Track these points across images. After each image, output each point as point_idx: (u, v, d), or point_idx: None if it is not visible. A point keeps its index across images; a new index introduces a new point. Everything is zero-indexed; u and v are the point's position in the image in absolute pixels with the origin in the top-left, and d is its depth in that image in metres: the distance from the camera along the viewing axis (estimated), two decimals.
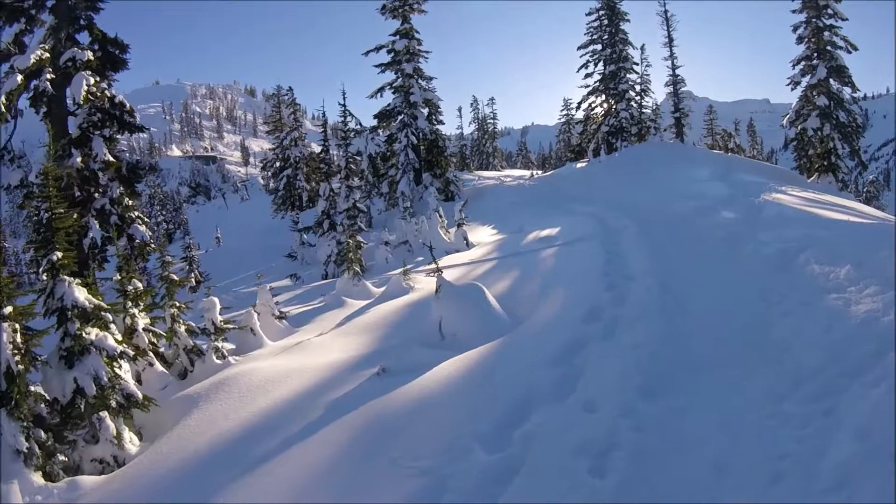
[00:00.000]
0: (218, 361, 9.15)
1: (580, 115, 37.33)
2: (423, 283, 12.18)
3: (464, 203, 17.79)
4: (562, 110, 49.18)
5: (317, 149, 36.26)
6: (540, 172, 39.74)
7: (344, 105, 18.07)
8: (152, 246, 30.67)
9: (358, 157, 28.49)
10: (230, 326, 9.90)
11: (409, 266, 13.55)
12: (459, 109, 52.05)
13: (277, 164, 40.37)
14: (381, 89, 30.01)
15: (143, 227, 29.80)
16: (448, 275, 12.74)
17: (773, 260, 8.34)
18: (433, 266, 14.71)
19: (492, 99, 52.88)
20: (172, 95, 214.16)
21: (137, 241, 29.52)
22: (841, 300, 6.24)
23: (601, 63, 34.20)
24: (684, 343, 6.39)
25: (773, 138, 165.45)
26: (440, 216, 17.77)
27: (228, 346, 10.49)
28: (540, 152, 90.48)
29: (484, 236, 17.98)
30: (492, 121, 53.04)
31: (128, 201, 28.11)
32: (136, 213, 29.63)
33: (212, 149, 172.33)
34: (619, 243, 11.99)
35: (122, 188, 27.03)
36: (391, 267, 16.07)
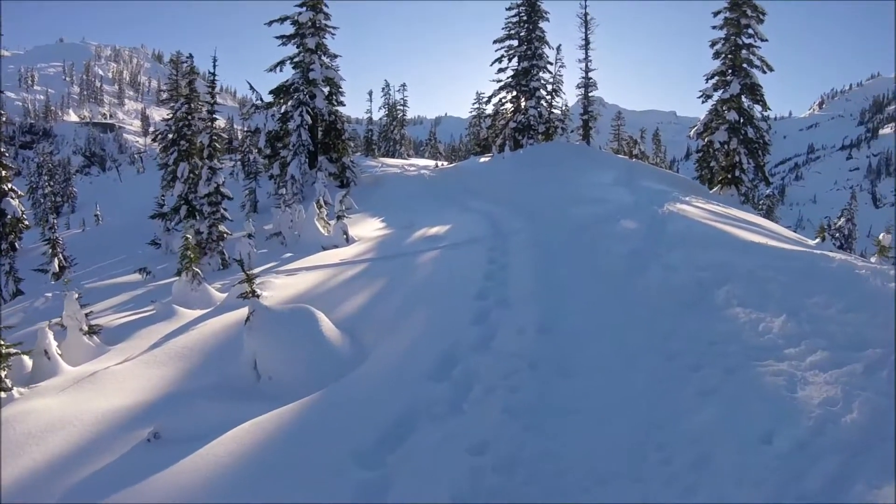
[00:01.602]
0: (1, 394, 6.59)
1: (490, 109, 35.70)
2: (278, 289, 9.80)
3: (345, 193, 15.33)
4: (474, 103, 47.09)
5: (221, 123, 32.97)
6: (445, 164, 37.75)
7: (213, 74, 15.22)
8: (26, 223, 26.82)
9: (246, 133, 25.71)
10: (13, 351, 7.28)
11: (257, 269, 11.18)
12: (370, 93, 48.88)
13: (170, 136, 36.61)
14: (280, 63, 27.07)
15: (16, 201, 25.97)
16: (309, 278, 10.51)
17: (686, 294, 6.46)
18: (298, 265, 12.51)
19: (403, 85, 49.90)
20: (76, 55, 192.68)
21: (9, 216, 25.74)
22: (782, 375, 4.31)
23: (515, 59, 32.58)
24: (558, 436, 4.24)
25: (676, 148, 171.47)
26: (321, 205, 15.29)
27: (30, 364, 7.89)
28: (450, 144, 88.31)
29: (369, 230, 15.68)
30: (402, 107, 49.64)
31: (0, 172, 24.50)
32: (10, 186, 25.85)
33: (111, 115, 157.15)
34: (507, 251, 9.95)
35: None
36: (256, 263, 13.49)
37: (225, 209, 14.43)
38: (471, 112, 48.02)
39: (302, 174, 23.81)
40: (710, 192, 24.23)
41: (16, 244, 25.24)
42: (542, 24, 32.22)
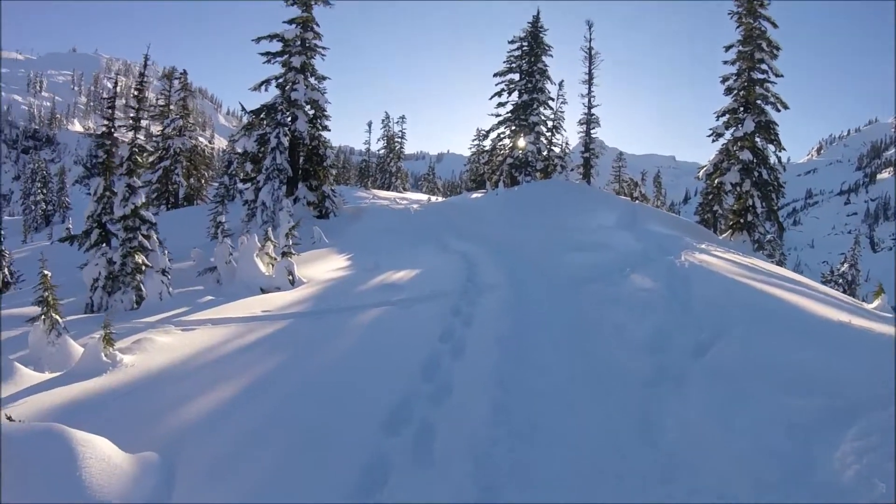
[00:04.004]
0: None
1: (488, 144, 33.03)
2: (155, 352, 6.81)
3: (293, 225, 12.25)
4: (473, 139, 43.94)
5: (220, 143, 30.09)
6: (439, 198, 34.90)
7: (143, 75, 12.12)
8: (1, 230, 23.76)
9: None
10: None
11: (156, 317, 8.22)
12: (369, 124, 46.20)
13: (158, 153, 33.87)
14: (265, 82, 24.16)
15: None
16: (204, 337, 7.51)
17: (783, 455, 3.41)
18: (209, 314, 9.34)
19: (402, 117, 46.82)
20: (86, 66, 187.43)
21: None
22: None
23: (515, 93, 30.02)
24: None
25: (674, 192, 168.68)
26: (269, 239, 12.22)
27: None
28: (450, 180, 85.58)
29: (325, 270, 12.64)
30: (399, 140, 46.59)
31: None
32: None
33: (116, 129, 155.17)
34: (472, 320, 6.82)
35: None
36: (168, 305, 10.43)
37: (146, 235, 11.36)
38: (470, 148, 45.32)
39: (274, 201, 20.90)
40: (720, 238, 21.34)
41: None
42: (544, 59, 29.89)
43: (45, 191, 54.59)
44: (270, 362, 6.11)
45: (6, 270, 20.54)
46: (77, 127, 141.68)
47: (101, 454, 3.68)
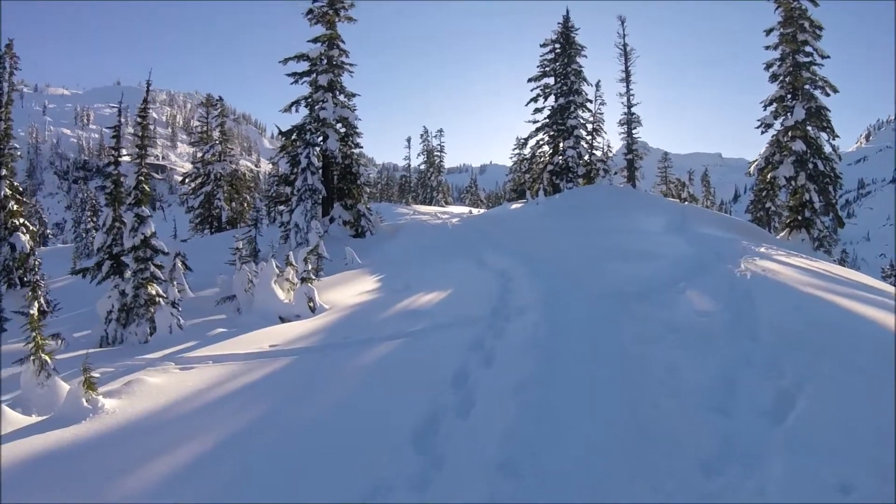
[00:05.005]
0: None
1: (528, 152, 31.80)
2: (140, 396, 5.99)
3: (311, 248, 11.35)
4: (514, 149, 43.04)
5: (266, 167, 29.88)
6: (481, 211, 33.85)
7: (146, 101, 11.34)
8: (37, 259, 23.79)
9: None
10: None
11: (158, 353, 7.42)
12: (409, 140, 45.61)
13: (199, 179, 34.02)
14: (295, 103, 23.59)
15: (27, 236, 23.03)
16: (199, 378, 6.65)
17: None
18: (211, 350, 8.44)
19: (440, 130, 46.04)
20: (131, 98, 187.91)
21: (18, 251, 22.84)
22: None
23: (552, 97, 28.78)
24: None
25: (723, 190, 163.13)
26: (290, 263, 11.32)
27: None
28: (494, 191, 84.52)
29: (350, 294, 11.68)
30: (439, 153, 45.72)
31: (13, 206, 21.76)
32: (22, 220, 23.04)
33: (163, 157, 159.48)
34: (494, 357, 5.74)
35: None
36: (177, 339, 9.55)
37: (159, 266, 10.62)
38: (511, 158, 44.16)
39: (306, 222, 20.22)
40: (777, 238, 19.72)
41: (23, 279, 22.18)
42: (578, 60, 28.62)
43: (94, 219, 55.59)
44: (250, 414, 5.22)
45: (42, 299, 20.27)
46: (126, 157, 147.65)
47: None
